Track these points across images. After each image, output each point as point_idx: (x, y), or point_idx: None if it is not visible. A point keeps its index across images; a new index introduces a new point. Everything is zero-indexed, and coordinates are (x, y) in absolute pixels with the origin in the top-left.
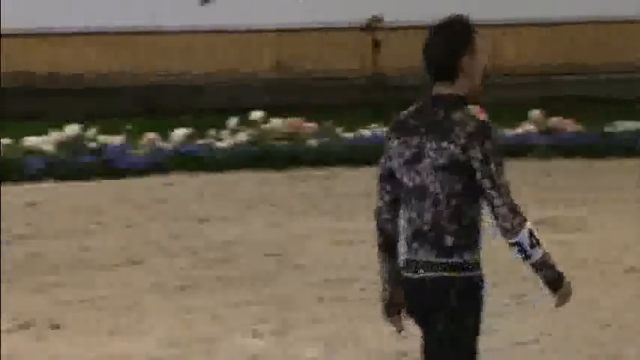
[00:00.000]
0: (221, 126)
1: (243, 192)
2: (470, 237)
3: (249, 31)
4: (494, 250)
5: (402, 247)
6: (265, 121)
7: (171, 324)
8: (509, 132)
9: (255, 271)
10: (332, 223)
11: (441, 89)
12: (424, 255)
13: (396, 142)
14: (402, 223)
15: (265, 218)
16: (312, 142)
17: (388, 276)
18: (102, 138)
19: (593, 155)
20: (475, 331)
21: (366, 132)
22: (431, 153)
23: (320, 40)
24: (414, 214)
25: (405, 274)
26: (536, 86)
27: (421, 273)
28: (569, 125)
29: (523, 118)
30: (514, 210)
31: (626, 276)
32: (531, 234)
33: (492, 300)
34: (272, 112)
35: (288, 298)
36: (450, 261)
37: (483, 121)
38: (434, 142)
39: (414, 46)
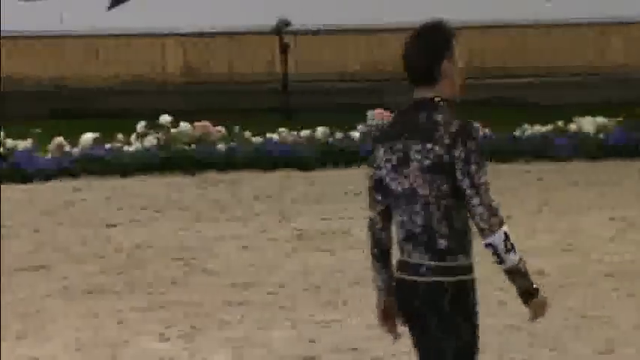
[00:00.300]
0: (129, 130)
1: (151, 196)
2: (463, 240)
3: (157, 35)
4: None
5: (396, 250)
6: (173, 125)
7: (77, 328)
8: None
9: (163, 275)
10: (240, 227)
11: (423, 93)
12: (418, 258)
13: (381, 150)
14: (395, 227)
15: (173, 223)
16: (221, 147)
17: (383, 285)
18: (9, 142)
19: (501, 159)
20: (471, 335)
21: (274, 136)
22: (417, 155)
23: (228, 44)
24: (405, 218)
25: (399, 275)
26: None
27: (414, 276)
28: (479, 129)
29: None
30: (491, 210)
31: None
32: (507, 237)
33: None
34: (180, 116)
35: (196, 302)
36: (443, 264)
37: (467, 121)
38: (419, 145)
39: (323, 50)
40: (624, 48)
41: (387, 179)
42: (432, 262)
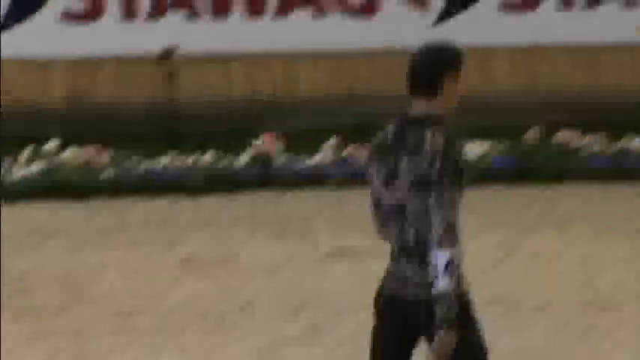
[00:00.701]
0: (15, 156)
1: (37, 222)
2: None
3: (42, 61)
4: None
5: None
6: (60, 151)
7: None
8: (304, 161)
9: (49, 303)
10: (127, 254)
11: (419, 107)
12: (412, 271)
13: (375, 165)
14: (389, 240)
15: (60, 249)
16: (107, 173)
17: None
18: None
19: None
20: (476, 341)
21: (161, 162)
22: (405, 170)
23: (115, 69)
24: (397, 231)
25: (392, 288)
26: (332, 115)
27: (410, 290)
28: (364, 154)
29: (318, 146)
30: (449, 227)
31: None
32: (450, 262)
33: None
34: (67, 142)
35: (83, 329)
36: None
37: (453, 139)
38: (407, 160)
39: (209, 76)
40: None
41: (378, 193)
42: (424, 273)
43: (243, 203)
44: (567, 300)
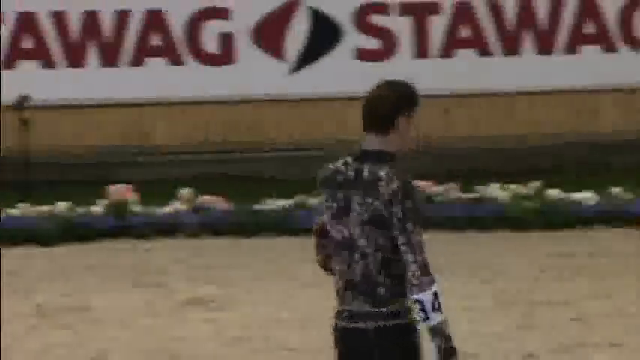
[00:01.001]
0: None
1: None
2: (400, 285)
3: None
4: None
5: (335, 298)
6: None
7: None
8: (158, 210)
9: None
10: None
11: (372, 143)
12: (358, 305)
13: (325, 196)
14: (335, 276)
15: None
16: None
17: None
18: None
19: (242, 233)
20: None
21: (14, 211)
22: (357, 207)
23: None
24: (344, 266)
25: (340, 323)
26: (186, 164)
27: (357, 323)
28: (218, 203)
29: (172, 196)
30: (424, 268)
31: (279, 353)
32: (436, 297)
33: None
34: None
35: None
36: (384, 310)
37: (407, 180)
38: (360, 197)
39: (63, 124)
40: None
41: (329, 226)
42: (373, 309)
43: (98, 252)
44: None
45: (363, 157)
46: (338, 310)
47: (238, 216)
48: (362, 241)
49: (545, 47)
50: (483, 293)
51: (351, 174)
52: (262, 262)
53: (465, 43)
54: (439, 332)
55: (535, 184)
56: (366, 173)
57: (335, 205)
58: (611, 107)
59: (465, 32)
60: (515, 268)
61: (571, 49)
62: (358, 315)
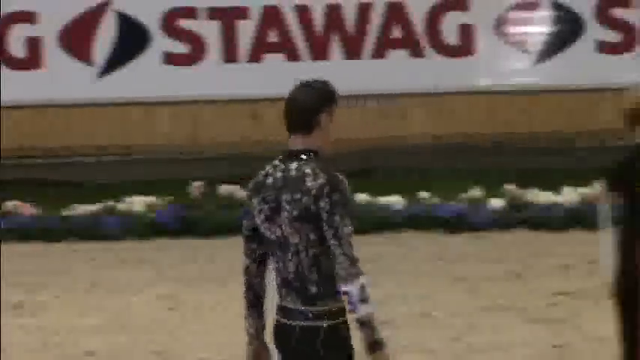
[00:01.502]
0: None
1: None
2: (333, 285)
3: None
4: None
5: (275, 294)
6: None
7: None
8: None
9: None
10: None
11: (296, 143)
12: (292, 303)
13: (255, 200)
14: (274, 273)
15: None
16: None
17: (253, 330)
18: None
19: (51, 239)
20: None
21: None
22: (287, 205)
23: None
24: (280, 265)
25: (278, 319)
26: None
27: (290, 320)
28: (26, 209)
29: None
30: (352, 261)
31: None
32: (363, 289)
33: None
34: None
35: None
36: (315, 310)
37: (334, 174)
38: (289, 195)
39: None
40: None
41: (262, 228)
42: (304, 307)
43: None
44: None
45: (290, 156)
46: (277, 306)
47: (46, 221)
48: (293, 239)
49: (353, 52)
50: None
51: (279, 174)
52: (72, 267)
53: (274, 47)
54: (366, 324)
55: None
56: (293, 171)
57: (266, 206)
58: (420, 111)
59: (273, 37)
60: None
61: (379, 53)
62: (290, 312)
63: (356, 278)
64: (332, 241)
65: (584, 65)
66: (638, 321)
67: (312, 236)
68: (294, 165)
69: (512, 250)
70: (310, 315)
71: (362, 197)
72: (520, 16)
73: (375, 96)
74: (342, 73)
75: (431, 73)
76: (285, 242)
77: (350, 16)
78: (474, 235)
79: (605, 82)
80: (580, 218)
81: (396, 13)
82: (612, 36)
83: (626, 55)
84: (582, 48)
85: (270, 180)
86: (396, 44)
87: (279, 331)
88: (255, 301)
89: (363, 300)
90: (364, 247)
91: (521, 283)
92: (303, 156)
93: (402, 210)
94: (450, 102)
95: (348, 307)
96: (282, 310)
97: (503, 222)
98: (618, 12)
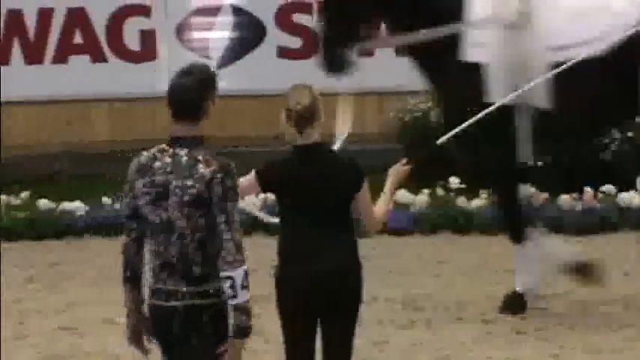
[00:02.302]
0: None
1: None
2: (215, 267)
3: None
4: None
5: (148, 277)
6: None
7: None
8: None
9: None
10: None
11: (182, 130)
12: (173, 284)
13: (140, 182)
14: (147, 255)
15: None
16: None
17: (133, 305)
18: None
19: None
20: None
21: None
22: (177, 190)
23: None
24: (161, 248)
25: (154, 302)
26: None
27: (172, 302)
28: None
29: None
30: (239, 247)
31: None
32: (246, 275)
33: None
34: None
35: None
36: (199, 290)
37: (226, 161)
38: (179, 180)
39: None
40: None
41: (145, 210)
42: (188, 288)
43: None
44: None
45: (178, 143)
46: (152, 290)
47: None
48: (180, 223)
49: (34, 57)
50: None
51: (168, 159)
52: None
53: None
54: (244, 310)
55: (25, 194)
56: (183, 157)
57: (153, 190)
58: (105, 117)
59: None
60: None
61: (61, 58)
62: (170, 294)
63: (240, 265)
64: (222, 227)
65: (265, 70)
66: None
67: (200, 221)
68: (183, 151)
69: None
70: (195, 295)
71: (44, 202)
72: (201, 22)
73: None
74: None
75: (113, 78)
76: (170, 225)
77: (31, 21)
78: None
79: (285, 88)
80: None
81: (77, 19)
82: (293, 41)
83: (306, 61)
84: (263, 53)
85: (158, 164)
86: (78, 49)
87: (158, 313)
88: (132, 278)
89: (245, 286)
90: (45, 253)
91: None
92: (192, 142)
93: (84, 216)
94: (133, 108)
95: (228, 292)
96: (160, 292)
97: None
98: (298, 17)
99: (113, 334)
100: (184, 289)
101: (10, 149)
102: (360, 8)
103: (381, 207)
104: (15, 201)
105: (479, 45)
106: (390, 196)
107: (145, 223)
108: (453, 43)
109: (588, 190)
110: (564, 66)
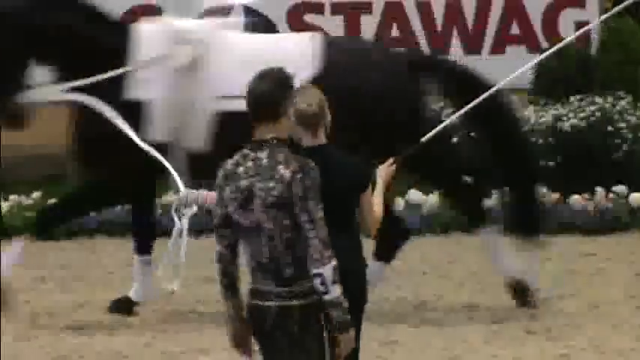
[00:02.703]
0: None
1: None
2: (305, 267)
3: None
4: None
5: (249, 277)
6: None
7: None
8: None
9: None
10: None
11: (264, 133)
12: (267, 285)
13: (227, 189)
14: (246, 257)
15: None
16: None
17: (234, 312)
18: None
19: None
20: (319, 355)
21: None
22: (260, 193)
23: None
24: (254, 249)
25: (253, 302)
26: None
27: (267, 302)
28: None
29: None
30: (325, 244)
31: None
32: (335, 271)
33: None
34: None
35: None
36: (289, 290)
37: (305, 160)
38: (262, 183)
39: None
40: None
41: (236, 215)
42: (280, 289)
43: None
44: None
45: (259, 146)
46: (250, 290)
47: None
48: (267, 225)
49: None
50: None
51: (250, 163)
52: None
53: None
54: (337, 304)
55: (37, 194)
56: (264, 160)
57: (240, 195)
58: None
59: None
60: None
61: None
62: (264, 294)
63: (329, 261)
64: (306, 225)
65: None
66: None
67: (285, 222)
68: (264, 154)
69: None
70: (285, 295)
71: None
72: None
73: None
74: None
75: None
76: (259, 228)
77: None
78: None
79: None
80: None
81: None
82: None
83: None
84: None
85: (241, 169)
86: None
87: (254, 312)
88: (230, 285)
89: (335, 281)
90: (56, 253)
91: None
92: (272, 144)
93: (96, 216)
94: None
95: (320, 289)
96: (256, 292)
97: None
98: (310, 17)
99: (123, 334)
100: (277, 289)
101: (19, 149)
102: (11, 50)
103: (378, 208)
104: (26, 201)
105: (143, 83)
106: (382, 196)
107: (238, 227)
108: (118, 79)
109: (600, 190)
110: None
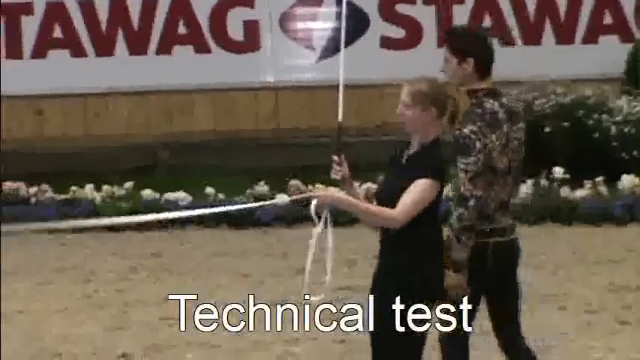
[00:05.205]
0: None
1: None
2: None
3: None
4: None
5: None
6: None
7: None
8: None
9: None
10: None
11: (492, 83)
12: (506, 222)
13: (494, 136)
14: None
15: None
16: None
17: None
18: None
19: None
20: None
21: None
22: (516, 135)
23: None
24: (498, 189)
25: (495, 239)
26: None
27: (512, 236)
28: None
29: None
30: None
31: None
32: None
33: None
34: None
35: None
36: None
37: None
38: (515, 125)
39: None
40: None
41: (495, 159)
42: (512, 224)
43: None
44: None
45: (496, 94)
46: (491, 229)
47: None
48: (515, 164)
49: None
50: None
51: (502, 109)
52: None
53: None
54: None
55: (129, 185)
56: (511, 105)
57: (504, 138)
58: (207, 108)
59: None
60: (108, 267)
61: (165, 49)
62: (507, 230)
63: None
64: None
65: (369, 61)
66: None
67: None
68: (504, 100)
69: (296, 245)
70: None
71: (147, 193)
72: (305, 12)
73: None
74: (127, 68)
75: (216, 68)
76: (509, 169)
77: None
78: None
79: (389, 78)
80: None
81: (181, 9)
82: (397, 32)
83: (410, 51)
84: (367, 44)
85: (501, 115)
86: (182, 40)
87: (502, 248)
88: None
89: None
90: (148, 244)
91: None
92: (510, 97)
93: (187, 206)
94: (235, 98)
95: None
96: (500, 230)
97: (290, 217)
98: (402, 8)
99: (214, 324)
100: (510, 224)
101: (112, 139)
102: None
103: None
104: (119, 191)
105: None
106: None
107: (494, 171)
108: None
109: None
110: None
